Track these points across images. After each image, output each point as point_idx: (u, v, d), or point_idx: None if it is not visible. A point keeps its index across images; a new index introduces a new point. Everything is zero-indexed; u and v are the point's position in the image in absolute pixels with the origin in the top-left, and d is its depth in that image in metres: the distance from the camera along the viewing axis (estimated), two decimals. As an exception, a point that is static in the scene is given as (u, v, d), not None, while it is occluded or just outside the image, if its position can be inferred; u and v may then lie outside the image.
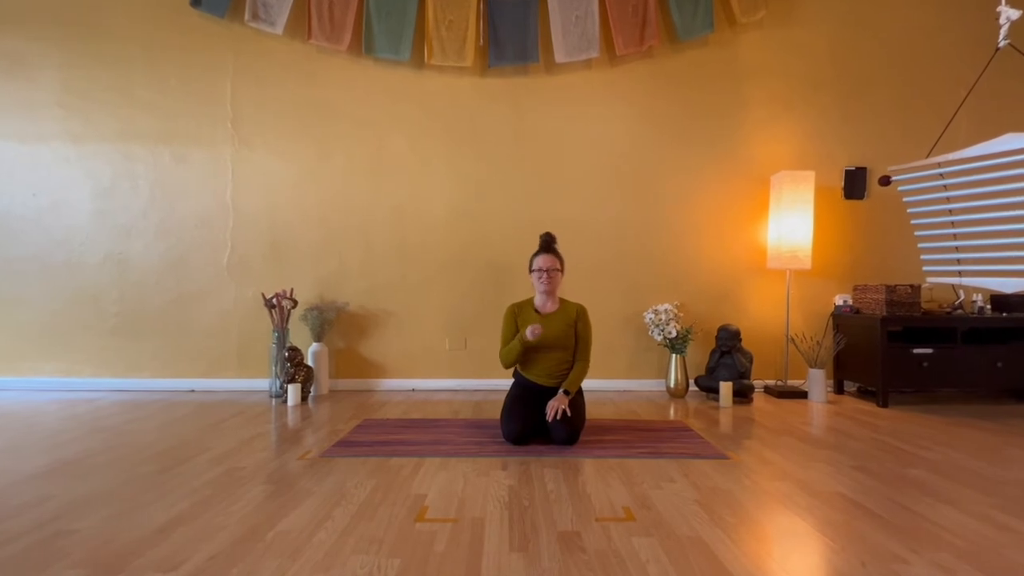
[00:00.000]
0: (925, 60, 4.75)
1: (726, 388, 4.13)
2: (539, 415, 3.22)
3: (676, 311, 4.45)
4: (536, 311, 3.42)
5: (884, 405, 4.14)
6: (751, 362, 4.36)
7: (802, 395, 4.40)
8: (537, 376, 3.37)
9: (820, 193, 4.70)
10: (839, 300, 4.61)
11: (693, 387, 4.66)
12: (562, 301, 3.44)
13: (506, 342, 3.43)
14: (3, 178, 4.63)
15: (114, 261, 4.65)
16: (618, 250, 4.72)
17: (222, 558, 1.82)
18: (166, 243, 4.66)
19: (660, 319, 4.40)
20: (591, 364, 3.57)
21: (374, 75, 4.67)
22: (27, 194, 4.64)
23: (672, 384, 4.45)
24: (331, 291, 4.67)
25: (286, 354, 4.20)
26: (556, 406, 3.14)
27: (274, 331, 4.35)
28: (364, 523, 2.09)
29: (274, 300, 4.34)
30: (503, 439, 3.19)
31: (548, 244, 3.45)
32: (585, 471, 2.69)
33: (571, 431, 3.11)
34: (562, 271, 3.41)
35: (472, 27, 4.55)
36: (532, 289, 4.65)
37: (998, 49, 3.69)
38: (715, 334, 4.47)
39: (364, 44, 4.56)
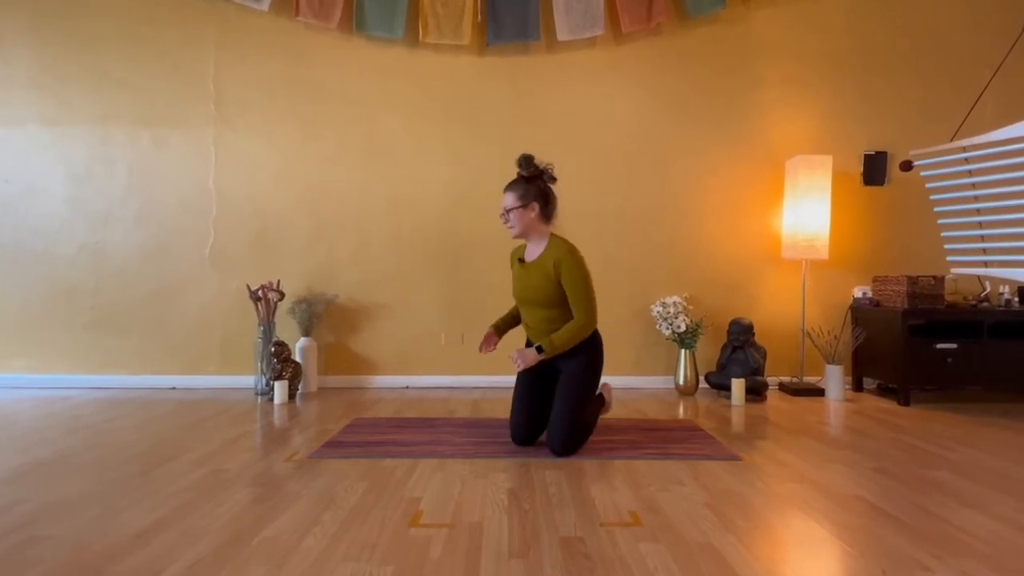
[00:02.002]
0: (950, 37, 4.72)
1: (738, 385, 4.13)
2: (547, 408, 3.03)
3: (685, 304, 4.44)
4: (521, 260, 3.12)
5: (905, 403, 4.13)
6: (765, 358, 4.35)
7: (819, 392, 4.39)
8: (531, 333, 3.11)
9: (838, 179, 4.68)
10: (858, 292, 4.60)
11: (703, 384, 4.66)
12: (550, 243, 3.02)
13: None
14: (-28, 163, 4.62)
15: (90, 251, 4.64)
16: (623, 238, 4.70)
17: (204, 565, 1.82)
18: (145, 232, 4.64)
19: (668, 312, 4.39)
20: (595, 319, 3.00)
21: (366, 54, 4.64)
22: (-2, 180, 4.63)
23: (681, 381, 4.44)
24: (320, 282, 4.66)
25: (272, 349, 4.19)
26: (518, 360, 2.91)
27: (259, 325, 4.34)
28: (355, 528, 2.08)
29: (260, 292, 4.32)
30: (508, 434, 3.19)
31: (517, 176, 3.04)
32: (589, 473, 2.68)
33: (562, 436, 2.88)
34: (528, 206, 2.97)
35: (469, 3, 4.52)
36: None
37: (1028, 25, 3.66)
38: (727, 328, 4.47)
39: (355, 21, 4.53)
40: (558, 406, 2.96)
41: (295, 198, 4.67)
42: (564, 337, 2.91)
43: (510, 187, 3.02)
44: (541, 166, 3.03)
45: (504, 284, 4.64)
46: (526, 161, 3.01)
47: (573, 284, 2.92)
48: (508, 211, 3.00)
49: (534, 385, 3.12)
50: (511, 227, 3.02)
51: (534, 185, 3.00)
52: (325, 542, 1.97)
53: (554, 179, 3.07)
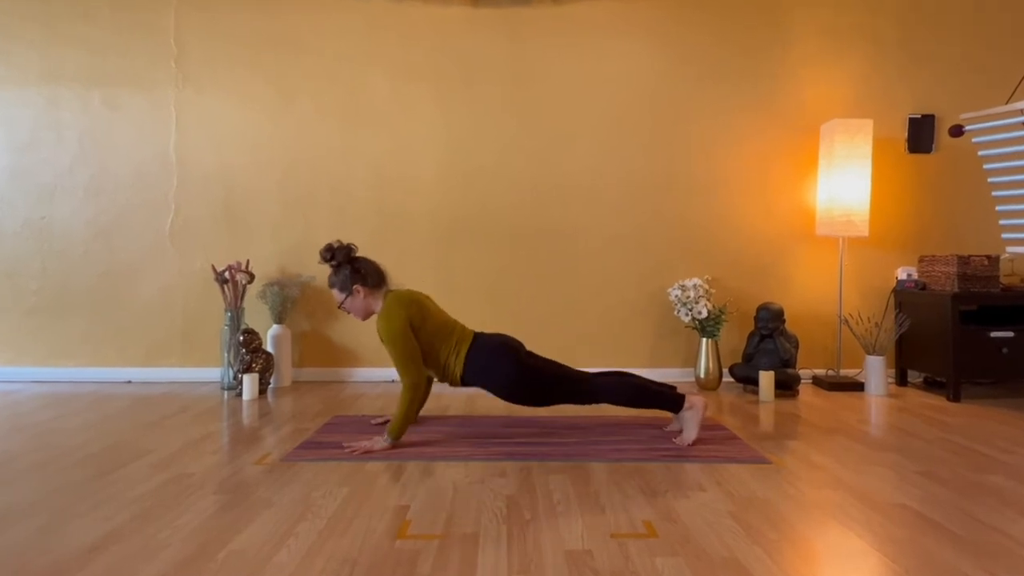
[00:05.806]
0: (1009, -15, 4.69)
1: (767, 379, 4.13)
2: None
3: (707, 287, 4.42)
4: None
5: (955, 399, 4.13)
6: (797, 348, 4.35)
7: (857, 387, 4.40)
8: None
9: (879, 146, 4.65)
10: (902, 274, 4.59)
11: (727, 377, 4.66)
12: (382, 307, 3.21)
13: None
14: (-100, 128, 4.59)
15: (35, 227, 4.62)
16: (636, 213, 4.68)
17: (164, 582, 1.82)
18: (97, 206, 4.62)
19: (688, 296, 4.38)
20: (412, 381, 3.08)
21: (347, 5, 4.61)
22: (-71, 147, 4.60)
23: (702, 374, 4.44)
24: (294, 263, 4.65)
25: (240, 338, 4.18)
26: (356, 447, 3.01)
27: (226, 311, 4.33)
28: (334, 540, 2.08)
29: (226, 273, 4.31)
30: (506, 434, 3.20)
31: (330, 270, 3.27)
32: (598, 478, 2.68)
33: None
34: (353, 293, 3.19)
35: (463, -56, 4.48)
36: (528, 263, 4.64)
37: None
38: (754, 314, 4.46)
39: (332, -35, 4.49)
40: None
41: (267, 168, 4.64)
42: (396, 414, 3.04)
43: (330, 284, 3.28)
44: (341, 249, 3.24)
45: (501, 265, 4.62)
46: (327, 253, 3.23)
47: (388, 347, 3.11)
48: (341, 306, 3.28)
49: None
50: (355, 316, 3.30)
51: (345, 271, 3.23)
52: (300, 556, 1.97)
53: (355, 250, 3.28)
